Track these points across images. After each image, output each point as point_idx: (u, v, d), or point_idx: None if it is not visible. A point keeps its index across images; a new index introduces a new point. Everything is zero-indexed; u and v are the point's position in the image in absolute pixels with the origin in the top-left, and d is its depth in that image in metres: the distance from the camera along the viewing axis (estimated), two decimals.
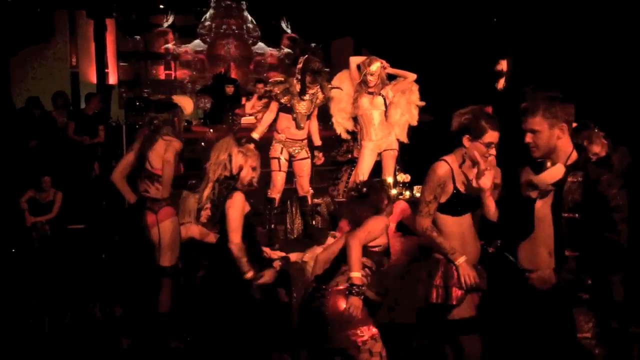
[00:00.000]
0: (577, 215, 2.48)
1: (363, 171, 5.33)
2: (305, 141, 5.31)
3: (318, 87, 5.14)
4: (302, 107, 5.13)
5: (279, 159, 5.18)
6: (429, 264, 3.19)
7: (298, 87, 5.08)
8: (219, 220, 3.45)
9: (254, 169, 3.52)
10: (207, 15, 12.00)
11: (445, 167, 3.04)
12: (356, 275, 3.14)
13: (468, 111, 3.04)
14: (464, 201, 3.06)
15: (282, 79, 5.17)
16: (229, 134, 3.53)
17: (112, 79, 10.99)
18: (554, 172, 2.55)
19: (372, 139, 5.34)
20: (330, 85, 5.32)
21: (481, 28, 7.73)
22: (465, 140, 3.00)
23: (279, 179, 5.22)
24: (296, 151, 5.23)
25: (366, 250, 3.33)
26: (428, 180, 3.05)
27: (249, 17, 12.19)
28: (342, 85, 5.47)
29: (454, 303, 3.04)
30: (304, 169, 5.31)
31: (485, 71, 7.72)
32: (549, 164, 2.58)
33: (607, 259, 2.49)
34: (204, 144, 8.05)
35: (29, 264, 5.87)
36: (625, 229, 2.47)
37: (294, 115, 5.12)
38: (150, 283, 4.20)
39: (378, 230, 3.34)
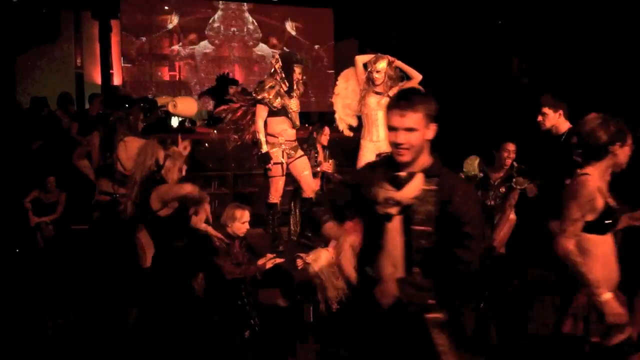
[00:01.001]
0: (427, 227, 2.26)
1: None
2: (296, 142, 5.32)
3: (301, 79, 5.14)
4: (293, 105, 5.15)
5: (281, 164, 5.15)
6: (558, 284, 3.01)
7: (284, 87, 5.08)
8: (140, 218, 3.44)
9: (180, 170, 3.52)
10: (216, 16, 12.00)
11: (593, 180, 2.80)
12: None
13: (607, 119, 2.83)
14: (614, 217, 2.87)
15: (272, 83, 5.10)
16: (153, 138, 3.46)
17: (117, 80, 11.01)
18: (414, 186, 2.28)
19: (373, 140, 5.34)
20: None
21: (486, 31, 7.72)
22: (618, 148, 2.83)
23: (280, 184, 5.20)
24: (292, 153, 5.22)
25: None
26: (576, 197, 2.77)
27: (250, 19, 12.19)
28: (348, 82, 5.47)
29: (598, 340, 2.77)
30: (303, 166, 5.29)
31: (489, 74, 7.71)
32: (404, 173, 2.31)
33: (454, 279, 2.28)
34: (208, 145, 8.06)
35: (33, 264, 5.87)
36: (478, 248, 2.28)
37: (289, 116, 5.11)
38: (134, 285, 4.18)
39: None
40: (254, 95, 5.15)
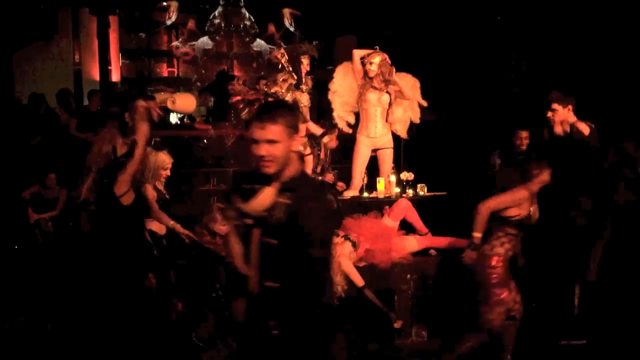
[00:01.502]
0: (277, 240, 2.23)
1: (358, 166, 5.34)
2: (306, 137, 5.29)
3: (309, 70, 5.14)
4: (304, 99, 5.13)
5: None
6: None
7: (293, 81, 5.07)
8: (102, 206, 3.45)
9: (140, 159, 3.53)
10: (216, 12, 11.95)
11: None
12: (476, 235, 3.72)
13: None
14: None
15: (285, 77, 5.12)
16: (141, 126, 3.43)
17: (115, 76, 10.99)
18: (263, 199, 2.26)
19: (370, 136, 5.35)
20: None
21: (486, 27, 7.72)
22: None
23: None
24: (302, 148, 5.20)
25: (506, 219, 3.70)
26: None
27: (247, 14, 12.15)
28: (345, 78, 5.45)
29: None
30: (309, 165, 5.30)
31: (490, 70, 7.70)
32: (251, 186, 2.31)
33: (298, 298, 2.21)
34: (207, 142, 8.06)
35: (32, 261, 5.88)
36: (321, 268, 2.27)
37: (300, 110, 5.08)
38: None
39: (510, 200, 3.68)
40: (265, 89, 5.15)
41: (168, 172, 4.22)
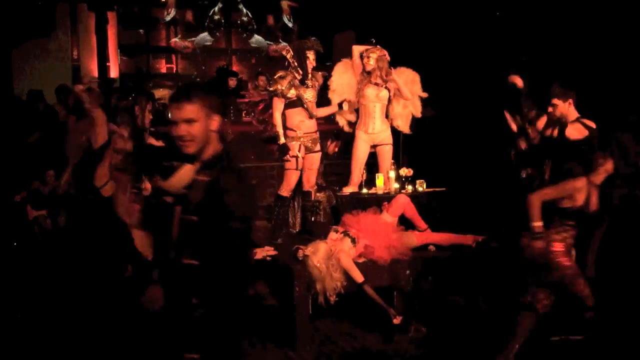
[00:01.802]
0: (196, 217, 2.25)
1: (357, 162, 5.34)
2: (318, 133, 5.27)
3: (314, 71, 5.13)
4: (309, 95, 5.10)
5: (297, 157, 5.10)
6: None
7: (298, 76, 5.05)
8: (81, 197, 3.45)
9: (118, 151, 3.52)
10: (216, 8, 11.93)
11: None
12: (536, 224, 3.68)
13: None
14: None
15: (283, 73, 5.10)
16: (93, 114, 3.40)
17: (114, 73, 10.96)
18: (183, 175, 2.30)
19: (368, 132, 5.35)
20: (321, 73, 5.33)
21: (485, 21, 7.70)
22: None
23: (293, 177, 5.16)
24: (311, 146, 5.19)
25: (561, 210, 3.71)
26: None
27: (244, 10, 12.14)
28: (344, 76, 5.45)
29: None
30: (314, 162, 5.29)
31: (489, 66, 7.69)
32: (170, 164, 2.34)
33: (219, 274, 2.21)
34: None
35: (31, 258, 5.87)
36: (246, 243, 2.30)
37: (305, 106, 5.07)
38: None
39: (565, 191, 3.70)
40: (268, 88, 5.15)
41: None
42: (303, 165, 5.24)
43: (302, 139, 5.11)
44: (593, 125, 4.29)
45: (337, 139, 5.96)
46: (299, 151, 5.09)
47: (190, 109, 2.24)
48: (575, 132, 4.28)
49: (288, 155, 5.10)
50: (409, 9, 8.57)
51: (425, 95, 5.53)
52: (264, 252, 4.57)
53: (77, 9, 10.62)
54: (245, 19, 12.13)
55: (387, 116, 5.49)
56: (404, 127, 5.57)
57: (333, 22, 11.14)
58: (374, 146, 5.46)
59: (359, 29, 10.44)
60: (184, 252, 2.25)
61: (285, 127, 5.11)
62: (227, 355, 2.27)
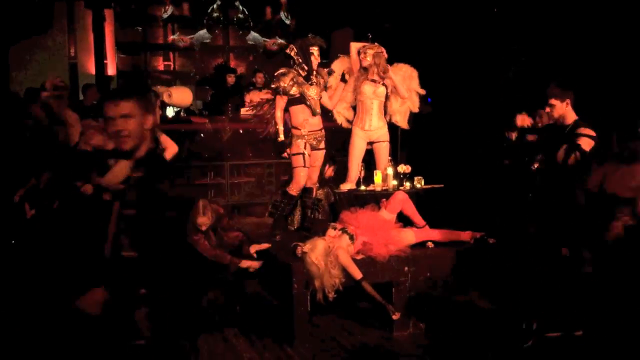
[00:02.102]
0: (133, 211, 2.38)
1: (354, 159, 5.34)
2: (323, 131, 5.25)
3: (320, 68, 5.12)
4: (313, 92, 5.06)
5: (303, 154, 5.04)
6: None
7: (302, 73, 5.03)
8: (59, 193, 3.45)
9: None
10: (215, 5, 11.91)
11: None
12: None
13: None
14: None
15: (284, 70, 5.07)
16: (64, 114, 3.42)
17: (111, 70, 10.95)
18: (119, 171, 2.42)
19: (365, 128, 5.35)
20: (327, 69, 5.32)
21: (483, 18, 7.70)
22: None
23: (302, 175, 5.09)
24: (316, 144, 5.16)
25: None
26: None
27: (241, 7, 12.13)
28: (342, 73, 5.44)
29: None
30: (318, 159, 5.27)
31: (487, 62, 7.69)
32: (112, 161, 2.45)
33: (158, 262, 2.37)
34: (203, 135, 8.05)
35: (29, 256, 5.86)
36: (182, 231, 2.49)
37: (308, 103, 5.03)
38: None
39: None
40: (271, 86, 5.12)
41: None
42: (309, 163, 5.22)
43: (306, 136, 5.07)
44: (593, 133, 4.13)
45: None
46: (304, 149, 5.07)
47: (126, 105, 2.38)
48: (587, 146, 4.16)
49: (287, 153, 5.08)
50: (407, 5, 8.57)
51: (423, 92, 5.53)
52: (247, 263, 4.70)
53: (75, 7, 10.59)
54: (241, 15, 12.13)
55: (385, 112, 5.48)
56: (402, 122, 5.57)
57: (331, 19, 11.14)
58: (370, 143, 5.46)
59: (356, 26, 10.45)
60: (123, 246, 2.37)
61: (290, 126, 5.09)
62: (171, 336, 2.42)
